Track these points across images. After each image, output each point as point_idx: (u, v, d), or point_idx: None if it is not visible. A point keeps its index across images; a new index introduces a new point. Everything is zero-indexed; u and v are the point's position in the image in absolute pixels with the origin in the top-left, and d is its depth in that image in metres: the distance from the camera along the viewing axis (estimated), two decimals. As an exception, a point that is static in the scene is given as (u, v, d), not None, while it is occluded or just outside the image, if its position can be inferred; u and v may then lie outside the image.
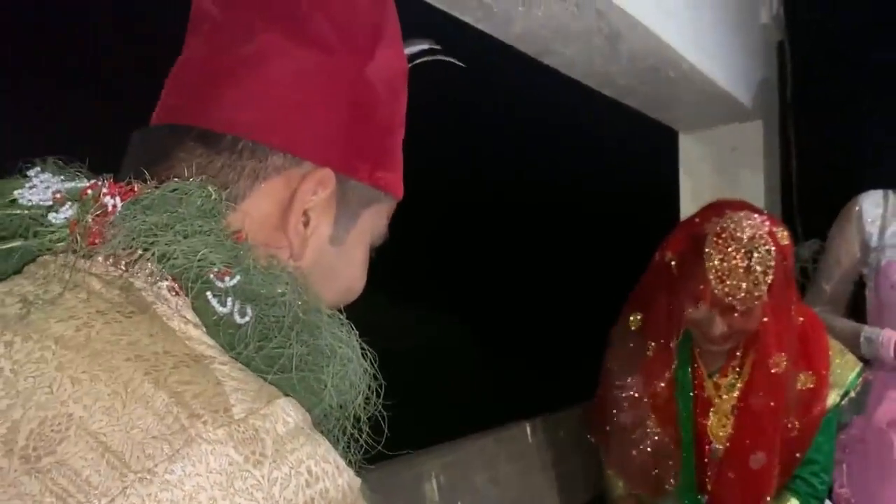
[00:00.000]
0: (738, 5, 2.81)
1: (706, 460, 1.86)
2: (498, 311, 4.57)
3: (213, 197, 0.60)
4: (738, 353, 1.81)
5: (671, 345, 1.82)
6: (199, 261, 0.56)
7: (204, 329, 0.56)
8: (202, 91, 0.65)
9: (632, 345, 1.89)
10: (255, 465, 0.47)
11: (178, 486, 0.46)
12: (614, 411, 1.89)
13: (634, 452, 1.87)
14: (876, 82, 3.07)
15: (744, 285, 1.61)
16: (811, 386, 1.77)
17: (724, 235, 1.64)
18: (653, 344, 1.86)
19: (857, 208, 2.23)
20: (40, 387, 0.49)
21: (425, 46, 0.76)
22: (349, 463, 0.62)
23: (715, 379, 1.84)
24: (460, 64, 0.80)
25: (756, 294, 1.63)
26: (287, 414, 0.51)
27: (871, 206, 2.21)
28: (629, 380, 1.87)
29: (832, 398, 1.81)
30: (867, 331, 2.14)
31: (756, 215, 1.71)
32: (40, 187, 0.61)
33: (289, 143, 0.64)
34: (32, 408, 0.48)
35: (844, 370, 1.81)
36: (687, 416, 1.85)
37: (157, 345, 0.52)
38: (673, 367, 1.84)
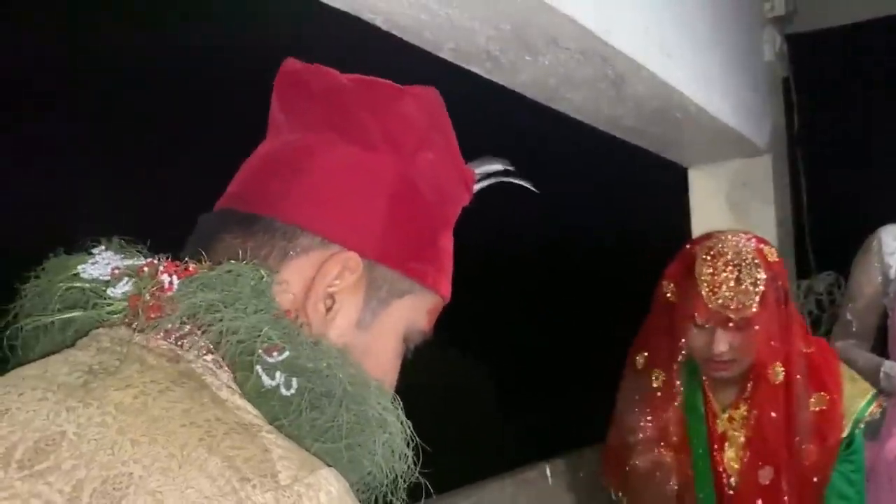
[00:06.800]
0: (741, 44, 2.86)
1: (726, 493, 1.84)
2: (515, 353, 4.57)
3: (265, 279, 0.64)
4: (748, 385, 1.80)
5: (674, 367, 1.83)
6: (258, 337, 0.60)
7: (246, 399, 0.60)
8: (253, 179, 0.72)
9: (637, 382, 1.90)
10: None
11: None
12: (630, 457, 1.87)
13: (655, 495, 1.85)
14: (882, 114, 3.11)
15: (735, 296, 1.68)
16: (824, 408, 1.77)
17: (712, 252, 1.73)
18: (656, 371, 1.86)
19: (876, 241, 2.30)
20: (102, 448, 0.52)
21: (499, 167, 0.81)
22: None
23: (728, 413, 1.84)
24: (533, 188, 0.84)
25: (748, 303, 1.68)
26: (330, 483, 0.54)
27: (891, 238, 2.28)
28: (640, 422, 1.87)
29: (845, 426, 1.79)
30: (887, 365, 2.16)
31: (743, 234, 1.80)
32: (101, 263, 0.65)
33: (318, 226, 0.68)
34: (95, 468, 0.51)
35: (855, 397, 1.80)
36: (703, 451, 1.84)
37: (208, 412, 0.55)
38: (679, 395, 1.84)
